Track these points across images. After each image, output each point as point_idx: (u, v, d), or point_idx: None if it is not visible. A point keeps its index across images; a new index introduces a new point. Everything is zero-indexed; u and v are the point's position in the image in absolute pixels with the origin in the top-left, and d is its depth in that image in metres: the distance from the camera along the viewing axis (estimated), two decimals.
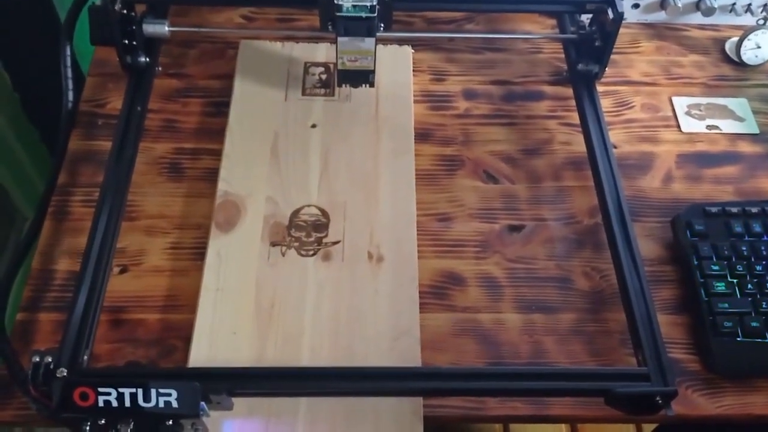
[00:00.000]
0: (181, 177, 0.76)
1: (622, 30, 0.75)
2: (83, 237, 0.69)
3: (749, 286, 0.67)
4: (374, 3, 0.69)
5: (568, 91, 0.83)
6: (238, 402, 0.58)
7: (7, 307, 0.64)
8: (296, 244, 0.70)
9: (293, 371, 0.61)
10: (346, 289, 0.67)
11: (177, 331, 0.66)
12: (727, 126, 0.83)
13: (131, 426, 0.55)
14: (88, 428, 0.54)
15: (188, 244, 0.72)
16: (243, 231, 0.71)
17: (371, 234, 0.71)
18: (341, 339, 0.64)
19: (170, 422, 0.55)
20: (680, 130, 0.82)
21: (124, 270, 0.70)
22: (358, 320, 0.65)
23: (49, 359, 0.57)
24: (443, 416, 0.62)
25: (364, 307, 0.66)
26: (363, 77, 0.75)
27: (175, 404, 0.54)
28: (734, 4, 0.88)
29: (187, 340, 0.64)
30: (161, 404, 0.54)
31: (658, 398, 0.58)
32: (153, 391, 0.54)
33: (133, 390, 0.54)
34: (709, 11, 0.87)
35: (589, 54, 0.81)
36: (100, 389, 0.54)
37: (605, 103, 0.82)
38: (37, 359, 0.57)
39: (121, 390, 0.54)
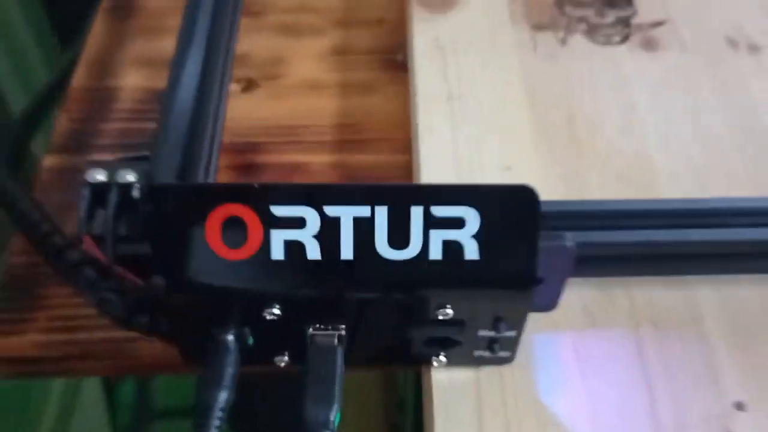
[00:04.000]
0: None
1: None
2: (164, 40, 0.37)
3: None
4: None
5: None
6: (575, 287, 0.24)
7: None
8: (583, 26, 0.36)
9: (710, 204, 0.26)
10: (707, 94, 0.33)
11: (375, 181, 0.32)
12: None
13: (342, 330, 0.20)
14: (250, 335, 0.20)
15: (362, 46, 0.38)
16: (472, 11, 0.37)
17: (720, 12, 0.37)
18: (742, 178, 0.30)
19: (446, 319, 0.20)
20: None
21: (249, 86, 0.36)
22: (762, 147, 0.31)
23: (131, 177, 0.22)
24: None
25: (761, 125, 0.32)
26: None
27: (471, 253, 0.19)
28: None
29: None
30: (433, 253, 0.19)
31: None
32: (415, 212, 0.19)
33: (364, 210, 0.19)
34: None
35: None
36: (275, 209, 0.19)
37: None
38: (102, 178, 0.22)
39: (329, 211, 0.19)
